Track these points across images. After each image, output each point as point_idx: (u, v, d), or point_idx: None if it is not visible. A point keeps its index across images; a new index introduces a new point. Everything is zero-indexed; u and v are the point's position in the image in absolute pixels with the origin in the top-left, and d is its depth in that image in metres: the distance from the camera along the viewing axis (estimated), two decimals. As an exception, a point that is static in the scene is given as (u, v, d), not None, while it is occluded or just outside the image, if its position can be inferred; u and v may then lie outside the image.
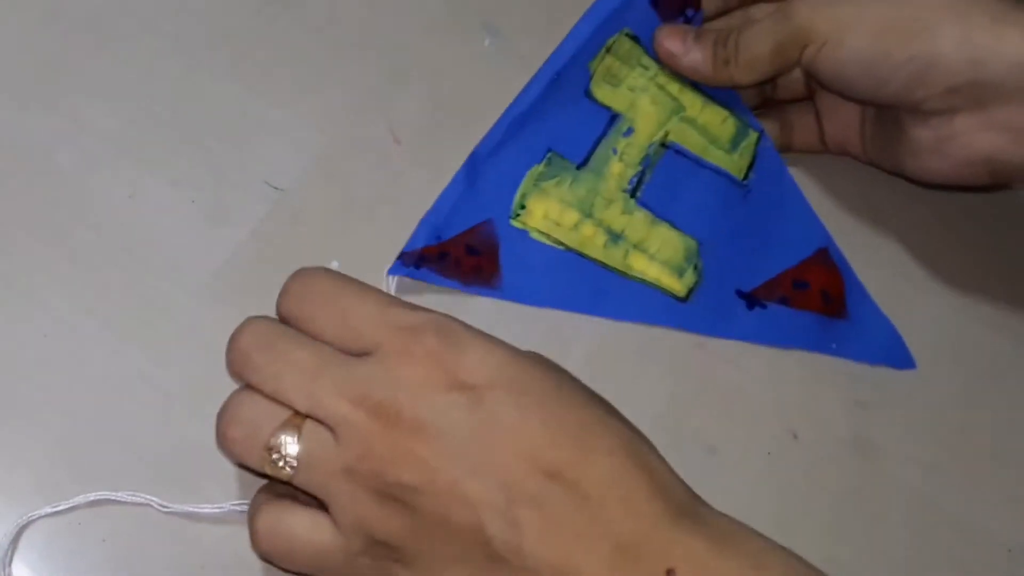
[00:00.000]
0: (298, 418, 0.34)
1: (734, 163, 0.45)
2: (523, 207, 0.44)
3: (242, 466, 0.36)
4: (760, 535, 0.33)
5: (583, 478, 0.32)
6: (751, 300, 0.44)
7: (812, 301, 0.44)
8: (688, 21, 0.46)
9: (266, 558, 0.36)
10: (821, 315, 0.44)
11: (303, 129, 0.46)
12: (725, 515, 0.34)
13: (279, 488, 0.36)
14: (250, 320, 0.36)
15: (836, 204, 0.46)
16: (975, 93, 0.40)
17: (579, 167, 0.44)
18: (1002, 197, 0.49)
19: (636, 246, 0.44)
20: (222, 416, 0.35)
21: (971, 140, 0.42)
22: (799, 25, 0.42)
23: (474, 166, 0.44)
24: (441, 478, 0.32)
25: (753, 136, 0.46)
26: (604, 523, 0.32)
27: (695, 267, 0.44)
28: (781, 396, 0.45)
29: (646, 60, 0.46)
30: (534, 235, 0.44)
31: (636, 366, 0.44)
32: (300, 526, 0.34)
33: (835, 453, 0.44)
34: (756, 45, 0.43)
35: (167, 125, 0.45)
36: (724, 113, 0.46)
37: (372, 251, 0.44)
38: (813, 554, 0.34)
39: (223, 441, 0.35)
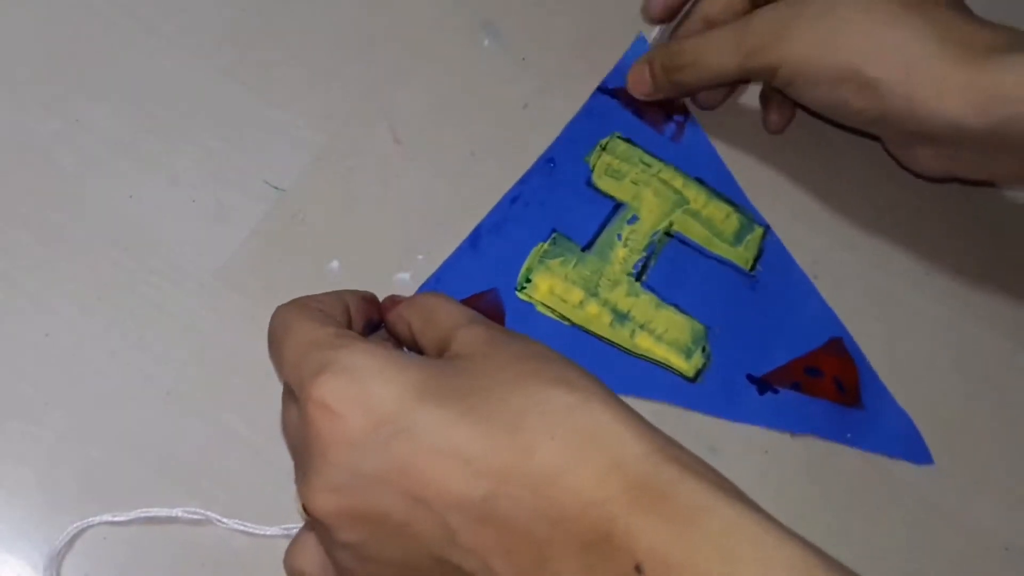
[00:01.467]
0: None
1: (739, 255, 0.45)
2: (528, 280, 0.44)
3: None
4: (734, 500, 0.29)
5: (527, 477, 0.30)
6: (762, 385, 0.44)
7: (826, 389, 0.44)
8: (678, 127, 0.47)
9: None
10: (836, 403, 0.44)
11: (303, 129, 0.46)
12: (699, 470, 0.30)
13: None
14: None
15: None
16: (925, 138, 0.42)
17: (584, 249, 0.45)
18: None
19: (643, 326, 0.44)
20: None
21: (931, 164, 0.44)
22: (761, 65, 0.43)
23: (478, 238, 0.45)
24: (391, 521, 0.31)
25: (759, 231, 0.46)
26: (563, 523, 0.29)
27: (703, 349, 0.44)
28: (781, 396, 0.45)
29: (647, 159, 0.46)
30: (540, 308, 0.44)
31: (636, 366, 0.44)
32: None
33: (835, 453, 0.44)
34: (712, 71, 0.44)
35: (167, 125, 0.45)
36: (728, 208, 0.46)
37: (372, 251, 0.44)
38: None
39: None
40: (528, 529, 0.30)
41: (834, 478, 0.44)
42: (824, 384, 0.44)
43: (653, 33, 0.48)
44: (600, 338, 0.44)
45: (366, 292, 0.40)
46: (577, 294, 0.44)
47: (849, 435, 0.43)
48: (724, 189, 0.47)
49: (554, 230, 0.45)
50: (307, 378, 0.32)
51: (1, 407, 0.41)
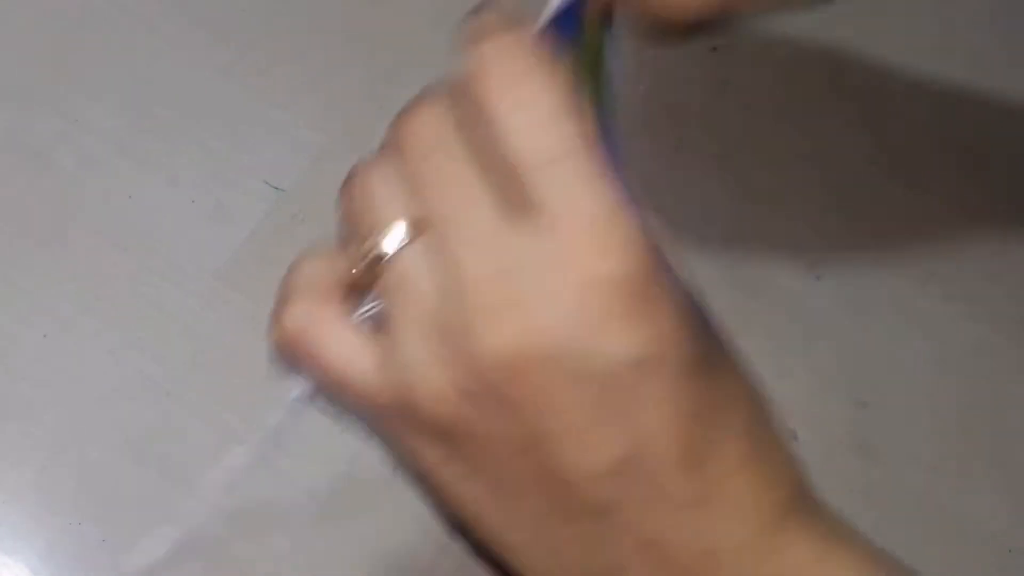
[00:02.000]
0: (423, 227, 0.27)
1: None
2: None
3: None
4: (863, 540, 0.30)
5: (711, 467, 0.27)
6: None
7: None
8: None
9: (279, 350, 0.29)
10: None
11: (303, 129, 0.46)
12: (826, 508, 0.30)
13: (332, 270, 0.29)
14: (427, 106, 0.29)
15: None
16: None
17: None
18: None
19: None
20: (355, 173, 0.30)
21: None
22: None
23: None
24: (552, 422, 0.25)
25: None
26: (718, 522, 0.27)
27: None
28: (781, 396, 0.45)
29: None
30: None
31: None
32: (341, 339, 0.27)
33: (835, 453, 0.44)
34: None
35: (167, 125, 0.45)
36: None
37: (372, 251, 0.44)
38: (813, 554, 0.34)
39: (343, 199, 0.29)
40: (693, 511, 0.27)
41: (834, 478, 0.44)
42: None
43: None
44: None
45: None
46: None
47: None
48: None
49: None
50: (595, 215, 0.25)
51: (0, 407, 0.41)
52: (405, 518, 0.39)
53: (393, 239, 0.27)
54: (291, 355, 0.28)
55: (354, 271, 0.28)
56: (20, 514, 0.39)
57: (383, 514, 0.39)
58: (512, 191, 0.25)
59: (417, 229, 0.27)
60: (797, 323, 0.46)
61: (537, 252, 0.24)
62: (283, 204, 0.45)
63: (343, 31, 0.48)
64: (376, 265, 0.27)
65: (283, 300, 0.29)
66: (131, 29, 0.47)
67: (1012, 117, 0.50)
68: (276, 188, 0.45)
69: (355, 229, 0.28)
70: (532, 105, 0.25)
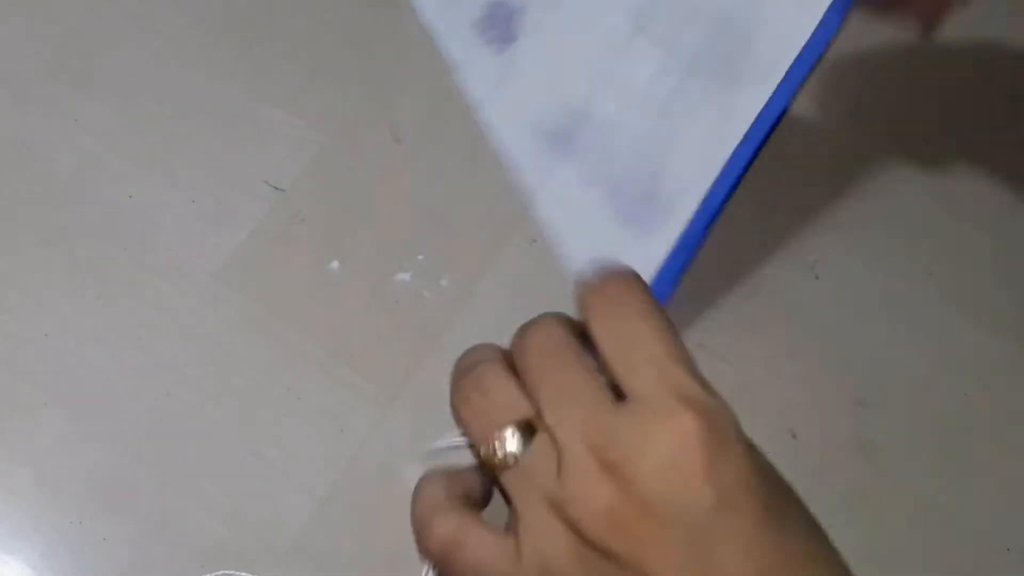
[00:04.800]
0: (538, 424, 0.33)
1: None
2: None
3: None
4: None
5: None
6: None
7: None
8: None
9: (435, 560, 0.34)
10: None
11: (303, 129, 0.46)
12: None
13: (453, 487, 0.35)
14: (549, 321, 0.34)
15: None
16: None
17: None
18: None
19: None
20: (465, 372, 0.34)
21: None
22: None
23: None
24: (650, 565, 0.30)
25: None
26: None
27: None
28: (781, 396, 0.45)
29: None
30: None
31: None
32: (483, 543, 0.33)
33: (835, 453, 0.44)
34: None
35: (167, 125, 0.45)
36: None
37: (372, 251, 0.44)
38: (813, 554, 0.34)
39: (459, 398, 0.34)
40: None
41: (834, 478, 0.44)
42: None
43: None
44: None
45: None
46: None
47: None
48: None
49: None
50: (680, 396, 0.31)
51: (1, 407, 0.41)
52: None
53: (512, 442, 0.32)
54: (446, 558, 0.33)
55: (480, 478, 0.34)
56: (20, 514, 0.39)
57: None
58: (613, 389, 0.31)
59: (532, 429, 0.32)
60: (797, 323, 0.46)
61: (630, 424, 0.30)
62: (283, 204, 0.45)
63: (343, 31, 0.48)
64: (497, 465, 0.33)
65: (427, 513, 0.34)
66: (131, 29, 0.47)
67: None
68: (276, 188, 0.45)
69: (473, 426, 0.34)
70: (632, 333, 0.32)
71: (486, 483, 0.34)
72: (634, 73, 0.42)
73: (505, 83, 0.43)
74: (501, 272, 0.45)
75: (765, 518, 0.30)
